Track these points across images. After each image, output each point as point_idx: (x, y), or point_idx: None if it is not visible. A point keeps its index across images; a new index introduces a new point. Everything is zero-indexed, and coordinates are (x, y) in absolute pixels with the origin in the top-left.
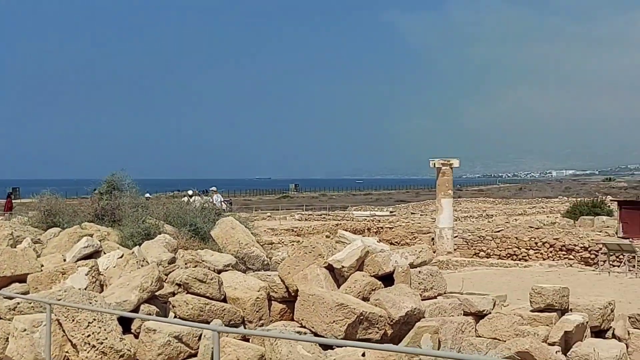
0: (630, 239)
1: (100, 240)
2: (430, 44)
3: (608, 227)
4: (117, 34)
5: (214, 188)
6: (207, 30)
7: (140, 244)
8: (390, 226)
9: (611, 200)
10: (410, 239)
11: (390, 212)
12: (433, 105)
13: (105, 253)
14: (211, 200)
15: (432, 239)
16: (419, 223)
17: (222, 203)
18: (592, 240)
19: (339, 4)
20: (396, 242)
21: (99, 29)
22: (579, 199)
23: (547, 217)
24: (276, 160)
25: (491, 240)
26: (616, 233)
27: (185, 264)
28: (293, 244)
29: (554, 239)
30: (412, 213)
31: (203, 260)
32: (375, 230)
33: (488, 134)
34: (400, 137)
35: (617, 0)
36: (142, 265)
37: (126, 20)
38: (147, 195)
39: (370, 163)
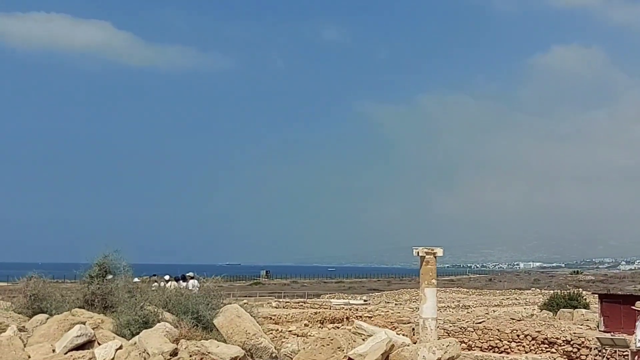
0: (612, 333)
1: (93, 329)
2: (401, 134)
3: (588, 320)
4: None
5: (190, 273)
6: (175, 115)
7: (137, 333)
8: (369, 315)
9: (593, 293)
10: (390, 329)
11: (365, 300)
12: (403, 194)
13: (99, 343)
14: (186, 286)
15: (413, 329)
16: (399, 312)
17: (198, 289)
18: (574, 333)
19: (314, 92)
20: None
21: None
22: (555, 292)
23: (524, 309)
24: (246, 246)
25: (473, 332)
26: (597, 326)
27: (190, 356)
28: (272, 332)
29: (536, 331)
30: (386, 302)
31: (209, 352)
32: (354, 320)
33: (456, 224)
34: (370, 225)
35: (578, 100)
36: (144, 358)
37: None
38: (136, 279)
39: (340, 250)
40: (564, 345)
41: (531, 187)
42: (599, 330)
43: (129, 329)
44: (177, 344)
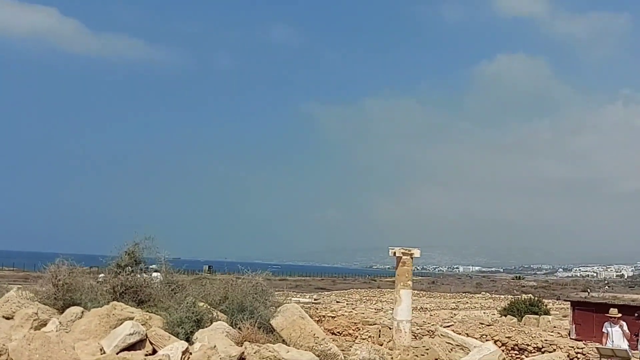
0: (584, 341)
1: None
2: (345, 137)
3: (555, 327)
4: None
5: (153, 266)
6: (129, 107)
7: (191, 333)
8: (332, 315)
9: (565, 300)
10: (353, 329)
11: (315, 299)
12: (346, 197)
13: (152, 343)
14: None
15: (379, 330)
16: (362, 313)
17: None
18: (546, 340)
19: (260, 91)
20: (338, 332)
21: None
22: (516, 297)
23: (484, 313)
24: (185, 240)
25: None
26: (569, 334)
27: None
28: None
29: (506, 337)
30: (337, 301)
31: (283, 358)
32: (317, 319)
33: (398, 228)
34: (312, 225)
35: (521, 110)
36: None
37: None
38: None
39: (282, 249)
40: (534, 353)
41: (473, 194)
42: (571, 338)
43: (183, 328)
44: (241, 346)
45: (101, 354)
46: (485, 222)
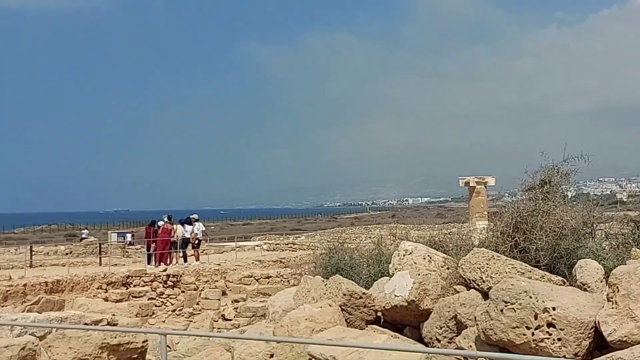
0: None
1: None
2: (287, 76)
3: None
4: None
5: (195, 216)
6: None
7: None
8: None
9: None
10: None
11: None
12: (292, 137)
13: None
14: (192, 230)
15: None
16: None
17: (204, 233)
18: None
19: (196, 33)
20: None
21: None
22: None
23: None
24: (130, 192)
25: None
26: None
27: None
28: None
29: None
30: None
31: None
32: None
33: (346, 164)
34: (259, 167)
35: (460, 38)
36: None
37: None
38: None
39: (231, 193)
40: None
41: (418, 126)
42: None
43: None
44: None
45: None
46: (430, 151)
